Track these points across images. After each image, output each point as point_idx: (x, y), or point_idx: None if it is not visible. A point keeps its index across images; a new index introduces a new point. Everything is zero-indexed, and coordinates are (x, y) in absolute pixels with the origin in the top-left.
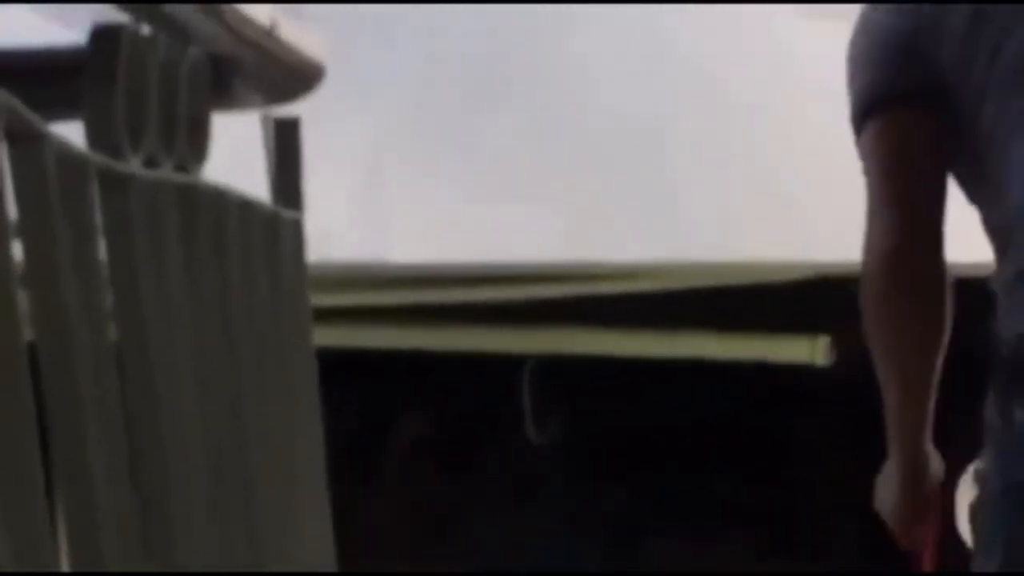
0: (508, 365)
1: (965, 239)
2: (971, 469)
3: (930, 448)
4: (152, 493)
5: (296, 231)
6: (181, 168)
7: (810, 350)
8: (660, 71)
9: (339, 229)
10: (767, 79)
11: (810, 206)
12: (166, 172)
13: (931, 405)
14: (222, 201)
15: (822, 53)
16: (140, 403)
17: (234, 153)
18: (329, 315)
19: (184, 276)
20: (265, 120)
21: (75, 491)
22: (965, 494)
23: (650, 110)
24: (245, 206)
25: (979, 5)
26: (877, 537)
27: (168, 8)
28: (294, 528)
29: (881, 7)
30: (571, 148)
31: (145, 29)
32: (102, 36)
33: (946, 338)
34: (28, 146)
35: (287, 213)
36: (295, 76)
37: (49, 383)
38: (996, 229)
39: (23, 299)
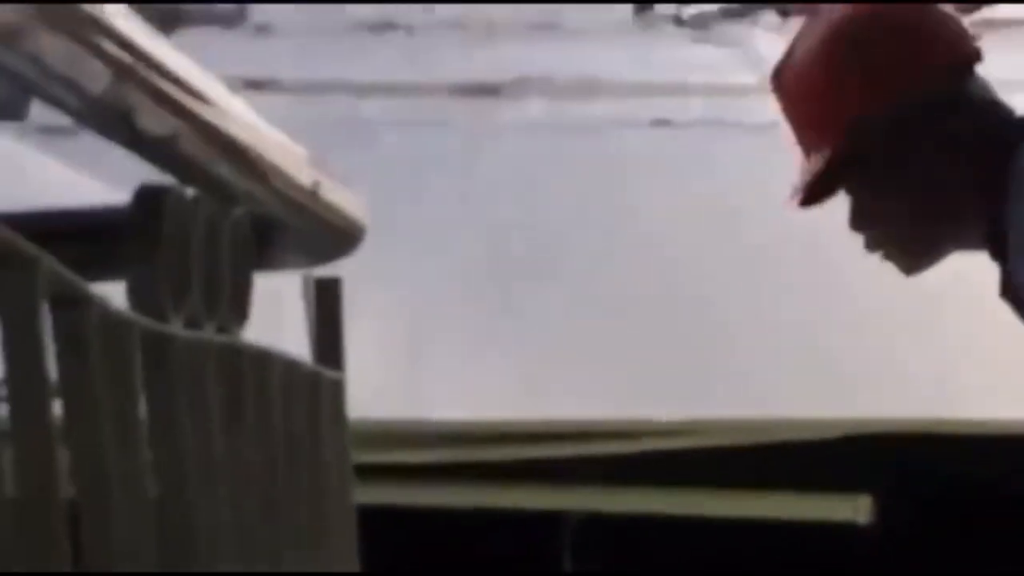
0: (550, 523)
1: None
2: None
3: None
4: None
5: (337, 390)
6: (222, 329)
7: (852, 509)
8: (702, 229)
9: (383, 387)
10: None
11: (848, 363)
12: (208, 333)
13: None
14: (265, 361)
15: None
16: (179, 561)
17: (276, 311)
18: (372, 472)
19: (226, 435)
20: (306, 280)
21: None
22: None
23: (693, 267)
24: (288, 366)
25: None
26: None
27: (212, 169)
28: None
29: None
30: (612, 308)
31: (189, 190)
32: (147, 197)
33: None
34: (71, 309)
35: (328, 373)
36: (337, 236)
37: (88, 540)
38: None
39: (64, 456)
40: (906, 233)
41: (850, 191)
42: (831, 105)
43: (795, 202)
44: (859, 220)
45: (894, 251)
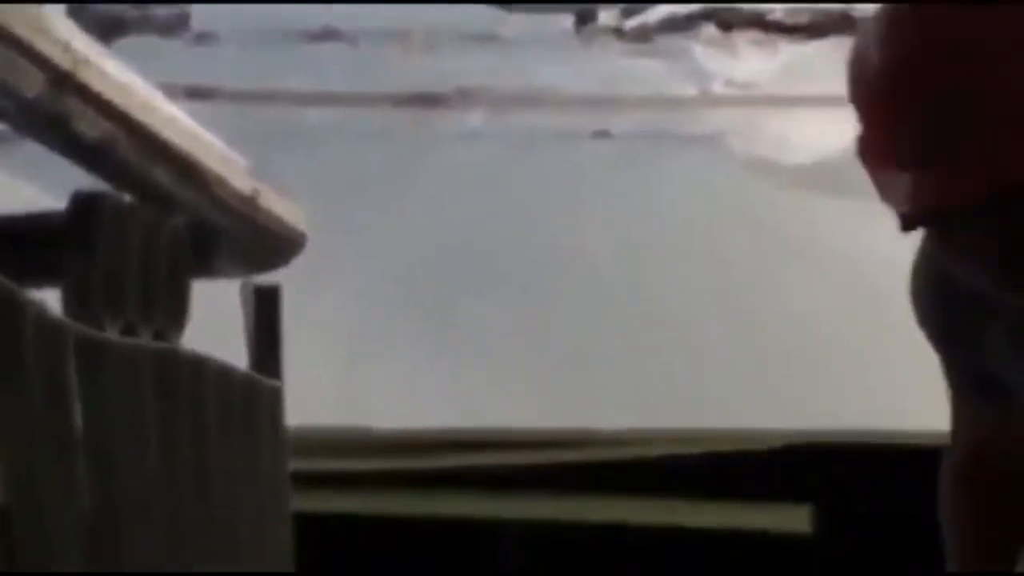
0: (490, 532)
1: None
2: None
3: None
4: None
5: (275, 398)
6: (159, 336)
7: (793, 519)
8: (641, 241)
9: (321, 395)
10: (750, 246)
11: (790, 374)
12: (144, 340)
13: None
14: (200, 368)
15: (802, 219)
16: (113, 571)
17: (214, 320)
18: (309, 481)
19: (161, 443)
20: (245, 288)
21: None
22: None
23: (631, 279)
24: (223, 373)
25: None
26: None
27: (150, 175)
28: None
29: None
30: (552, 318)
31: (126, 197)
32: (82, 203)
33: None
34: (6, 313)
35: (266, 381)
36: (276, 245)
37: (20, 550)
38: None
39: None
40: None
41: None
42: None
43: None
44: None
45: None
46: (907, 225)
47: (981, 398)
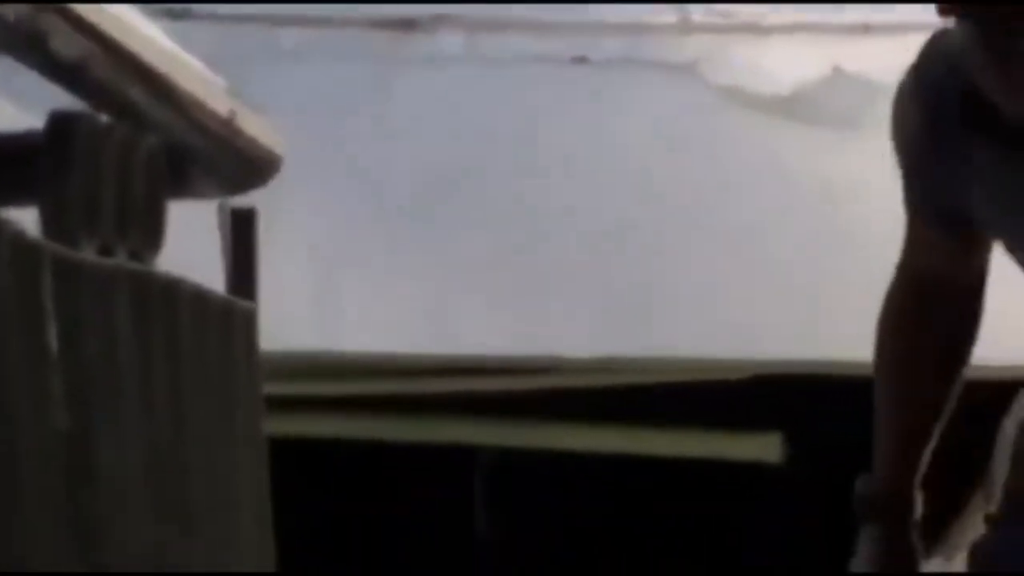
0: (462, 457)
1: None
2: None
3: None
4: None
5: (250, 321)
6: (135, 256)
7: (763, 448)
8: (616, 168)
9: (296, 318)
10: (725, 174)
11: (760, 303)
12: (120, 260)
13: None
14: (175, 290)
15: (778, 147)
16: (85, 492)
17: (192, 242)
18: (283, 404)
19: (136, 364)
20: (221, 210)
21: None
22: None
23: (606, 206)
24: (198, 296)
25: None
26: None
27: (126, 95)
28: None
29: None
30: (529, 242)
31: (102, 116)
32: (59, 122)
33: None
34: None
35: (241, 303)
36: (252, 166)
37: None
38: None
39: None
40: None
41: None
42: None
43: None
44: None
45: None
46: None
47: (941, 229)
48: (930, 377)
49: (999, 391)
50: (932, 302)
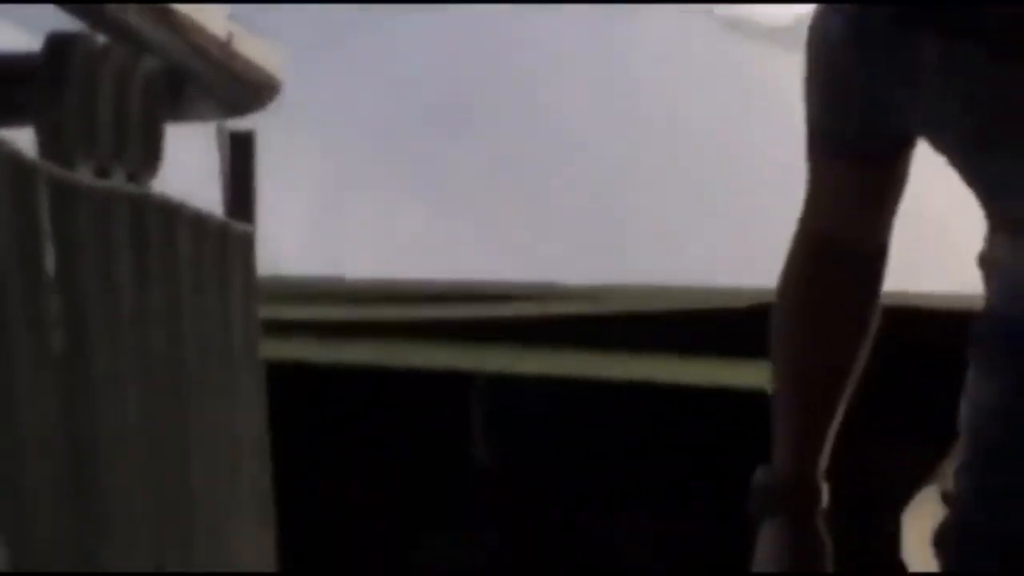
0: (460, 383)
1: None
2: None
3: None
4: (92, 505)
5: (247, 244)
6: (132, 178)
7: (761, 376)
8: (616, 100)
9: (295, 244)
10: (719, 106)
11: (769, 231)
12: (117, 182)
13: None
14: (173, 212)
15: (774, 79)
16: (82, 413)
17: (191, 165)
18: (281, 328)
19: (133, 286)
20: (220, 132)
21: (11, 505)
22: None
23: (609, 138)
24: (196, 218)
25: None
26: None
27: (124, 17)
28: (236, 532)
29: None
30: (531, 173)
31: (100, 38)
32: (56, 44)
33: (863, 345)
34: None
35: (238, 226)
36: (251, 89)
37: None
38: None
39: None
40: None
41: None
42: None
43: None
44: None
45: None
46: None
47: (856, 161)
48: (831, 353)
49: (944, 321)
50: (836, 270)
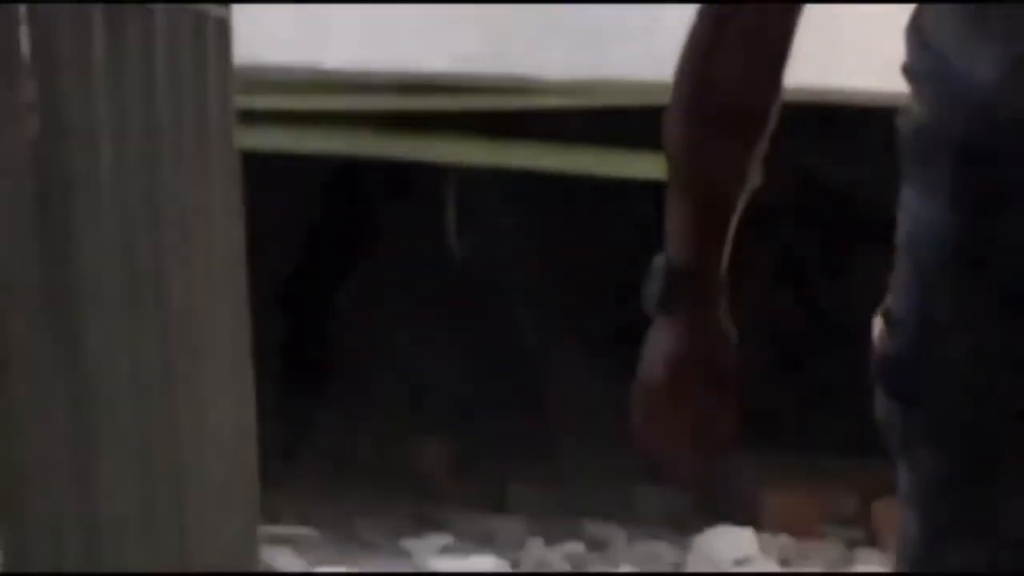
0: (434, 175)
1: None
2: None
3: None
4: (65, 301)
5: (222, 29)
6: None
7: None
8: None
9: (276, 34)
10: None
11: None
12: None
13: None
14: None
15: None
16: (56, 204)
17: None
18: (261, 118)
19: (109, 73)
20: None
21: None
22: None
23: None
24: (171, 5)
25: None
26: None
27: None
28: (210, 338)
29: None
30: None
31: None
32: None
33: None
34: None
35: (215, 8)
36: None
37: None
38: None
39: None
40: None
41: None
42: None
43: None
44: None
45: None
46: None
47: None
48: (729, 127)
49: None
50: (738, 31)
